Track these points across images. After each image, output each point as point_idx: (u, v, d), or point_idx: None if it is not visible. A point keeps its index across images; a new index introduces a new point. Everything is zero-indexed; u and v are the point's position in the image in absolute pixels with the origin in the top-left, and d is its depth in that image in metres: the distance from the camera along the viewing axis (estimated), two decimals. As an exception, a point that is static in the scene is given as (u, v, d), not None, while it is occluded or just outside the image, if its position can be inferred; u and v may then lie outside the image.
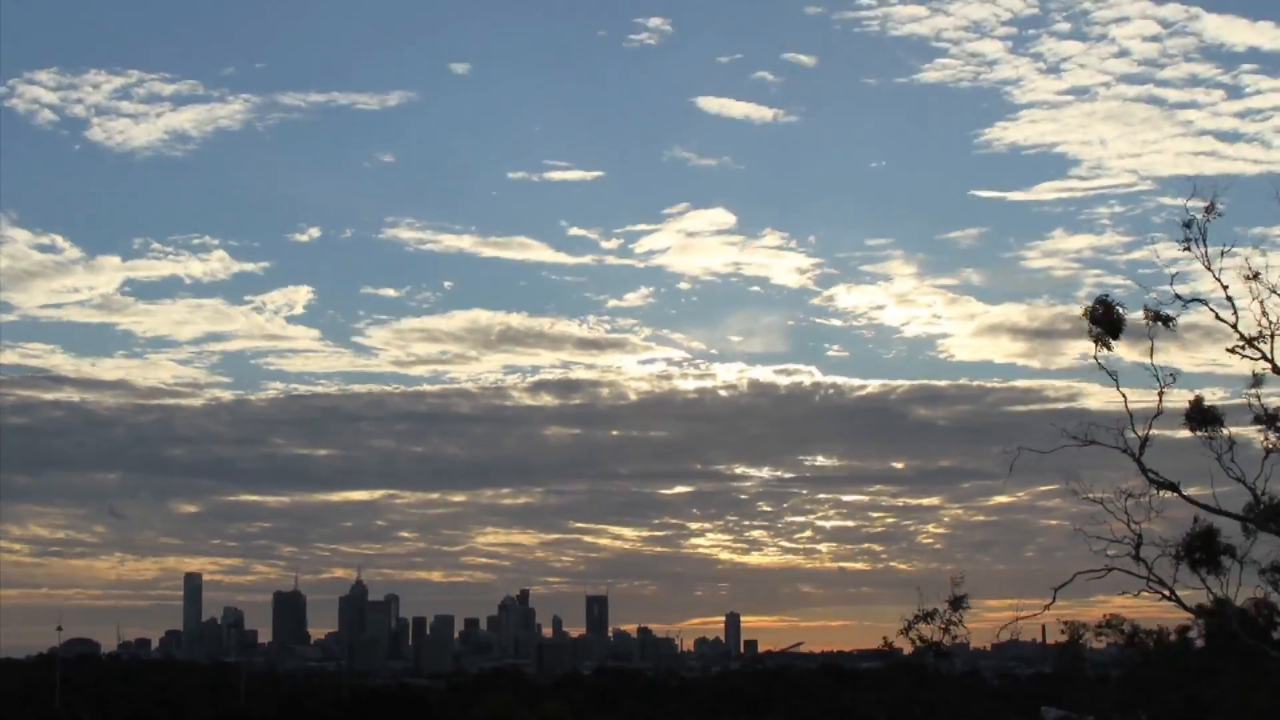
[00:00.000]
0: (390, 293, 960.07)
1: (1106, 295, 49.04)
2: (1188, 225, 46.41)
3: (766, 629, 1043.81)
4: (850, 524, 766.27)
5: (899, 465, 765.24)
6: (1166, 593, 48.30)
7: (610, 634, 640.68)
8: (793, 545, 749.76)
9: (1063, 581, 49.56)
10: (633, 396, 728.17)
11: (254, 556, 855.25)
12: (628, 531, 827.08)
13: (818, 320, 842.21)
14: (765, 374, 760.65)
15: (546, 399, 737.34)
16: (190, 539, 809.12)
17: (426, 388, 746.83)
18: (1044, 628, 55.54)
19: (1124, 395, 47.65)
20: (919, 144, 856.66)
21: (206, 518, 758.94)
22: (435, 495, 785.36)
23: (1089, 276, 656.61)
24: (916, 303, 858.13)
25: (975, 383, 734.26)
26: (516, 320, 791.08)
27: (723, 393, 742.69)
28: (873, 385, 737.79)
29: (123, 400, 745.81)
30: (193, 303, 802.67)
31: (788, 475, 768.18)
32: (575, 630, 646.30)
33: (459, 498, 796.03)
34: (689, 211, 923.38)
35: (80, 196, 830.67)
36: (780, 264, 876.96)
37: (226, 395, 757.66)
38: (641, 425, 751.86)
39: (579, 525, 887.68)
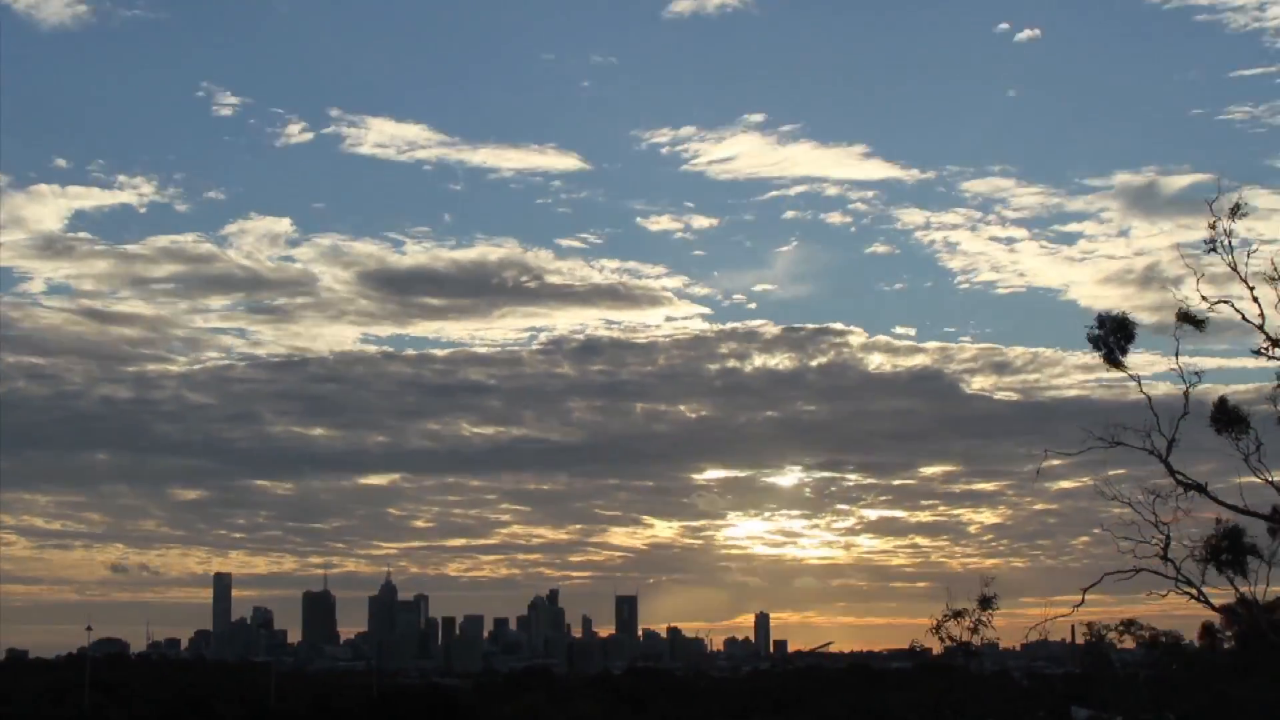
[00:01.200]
0: (384, 224, 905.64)
1: (1110, 311, 49.23)
2: (1212, 227, 46.43)
3: (800, 626, 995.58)
4: (899, 514, 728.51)
5: (957, 446, 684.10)
6: (1194, 593, 48.32)
7: (639, 634, 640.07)
8: (833, 538, 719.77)
9: (1092, 581, 49.79)
10: (661, 360, 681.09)
11: (263, 548, 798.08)
12: (659, 523, 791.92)
13: (889, 256, 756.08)
14: (811, 335, 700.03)
15: (567, 369, 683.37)
16: (192, 530, 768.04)
17: (433, 351, 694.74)
18: (1073, 627, 55.48)
19: (1148, 396, 47.70)
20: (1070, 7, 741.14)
21: (207, 505, 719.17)
22: (451, 479, 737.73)
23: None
24: (1002, 237, 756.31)
25: (1050, 350, 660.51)
26: (533, 260, 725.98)
27: (761, 359, 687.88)
28: (931, 347, 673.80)
29: (91, 367, 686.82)
30: (154, 242, 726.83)
31: (831, 456, 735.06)
32: (604, 630, 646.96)
33: (476, 483, 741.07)
34: (758, 115, 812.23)
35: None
36: (859, 180, 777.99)
37: (207, 359, 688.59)
38: (671, 397, 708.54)
39: (608, 514, 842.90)
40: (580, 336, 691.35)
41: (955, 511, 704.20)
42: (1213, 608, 49.47)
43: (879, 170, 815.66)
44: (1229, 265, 45.97)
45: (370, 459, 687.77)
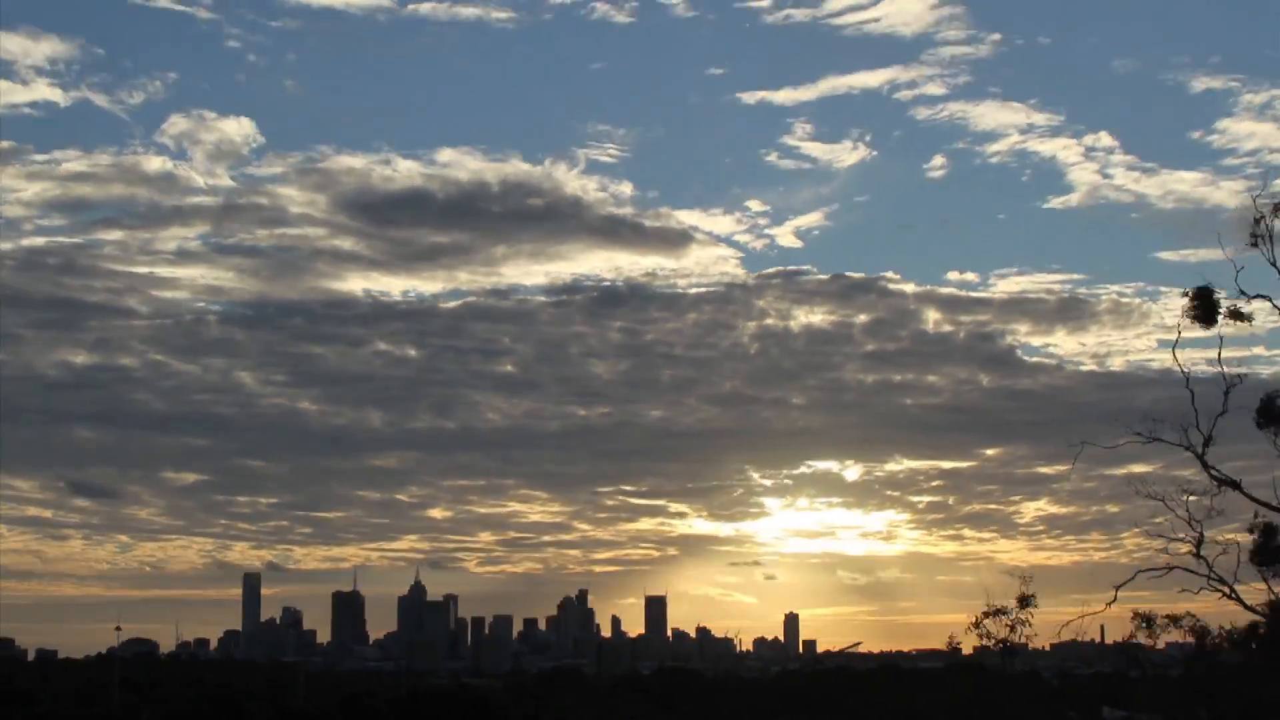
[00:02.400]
0: (368, 124, 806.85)
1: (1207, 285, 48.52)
2: (1257, 222, 46.06)
3: (834, 623, 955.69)
4: (949, 499, 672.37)
5: (1018, 422, 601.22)
6: (1227, 591, 47.96)
7: (669, 633, 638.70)
8: (876, 528, 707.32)
9: (1125, 579, 49.47)
10: (691, 316, 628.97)
11: (270, 539, 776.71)
12: (688, 510, 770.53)
13: (971, 169, 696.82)
14: (856, 288, 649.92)
15: (583, 326, 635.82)
16: (191, 519, 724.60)
17: (434, 304, 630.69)
18: (1102, 627, 55.11)
19: (1191, 391, 47.32)
20: None
21: (203, 491, 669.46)
22: (464, 459, 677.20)
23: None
24: (1104, 146, 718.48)
25: (1139, 299, 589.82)
26: (541, 176, 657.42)
27: (803, 314, 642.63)
28: (998, 298, 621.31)
29: (43, 321, 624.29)
30: (97, 159, 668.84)
31: (878, 434, 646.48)
32: (634, 630, 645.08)
33: (492, 464, 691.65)
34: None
35: None
36: (958, 58, 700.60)
37: (171, 311, 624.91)
38: (702, 365, 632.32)
39: (635, 503, 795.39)
40: (595, 285, 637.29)
41: (1012, 498, 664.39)
42: (1245, 606, 49.11)
43: (983, 50, 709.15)
44: (1269, 262, 45.64)
45: (374, 436, 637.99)
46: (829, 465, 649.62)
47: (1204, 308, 47.57)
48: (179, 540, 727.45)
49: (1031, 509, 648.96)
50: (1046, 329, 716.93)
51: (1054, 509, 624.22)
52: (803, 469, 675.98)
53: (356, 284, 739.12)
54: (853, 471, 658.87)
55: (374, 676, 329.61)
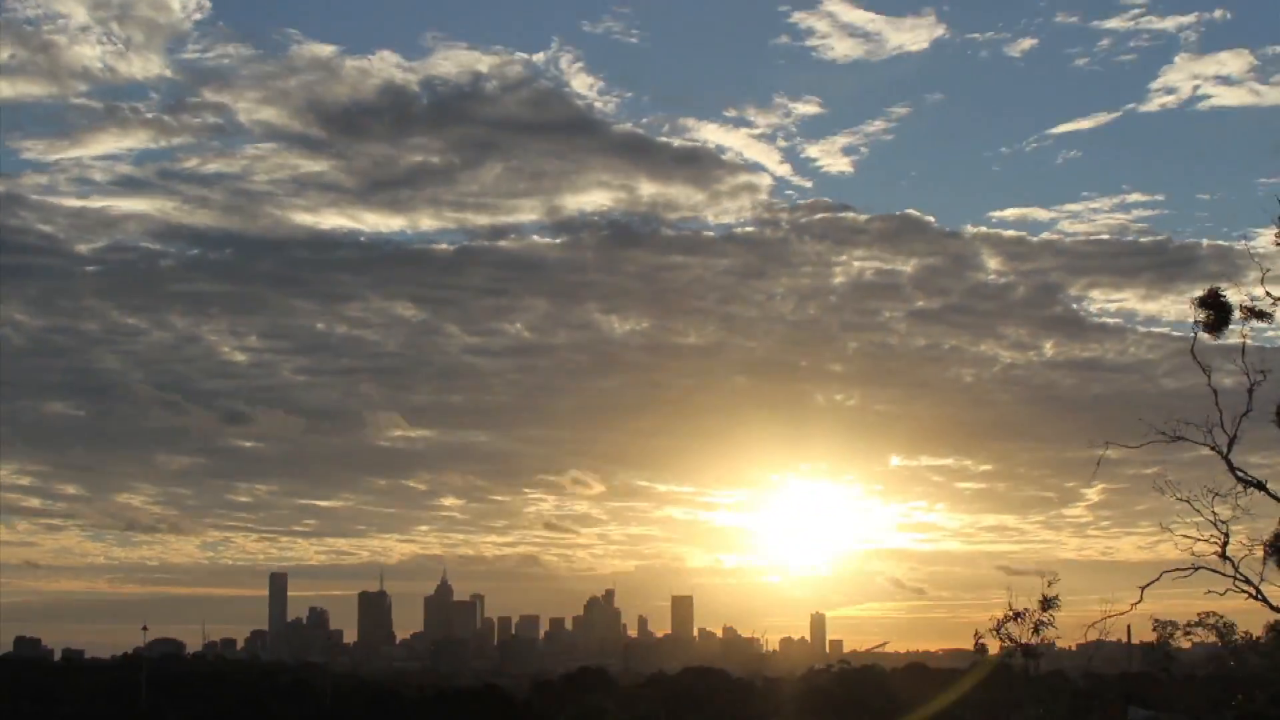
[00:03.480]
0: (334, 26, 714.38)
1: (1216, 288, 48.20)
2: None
3: (861, 622, 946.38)
4: (998, 486, 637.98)
5: (1078, 396, 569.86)
6: (1252, 592, 47.79)
7: (695, 633, 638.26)
8: (914, 520, 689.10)
9: (1150, 580, 49.30)
10: (720, 265, 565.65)
11: (273, 531, 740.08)
12: (719, 500, 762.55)
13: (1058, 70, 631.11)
14: (906, 228, 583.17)
15: (596, 275, 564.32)
16: (185, 509, 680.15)
17: (421, 246, 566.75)
18: (1129, 627, 54.99)
19: (1214, 390, 47.11)
20: None
21: (194, 475, 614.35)
22: (475, 440, 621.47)
23: None
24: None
25: (1242, 244, 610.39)
26: (542, 66, 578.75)
27: (845, 260, 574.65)
28: (1072, 239, 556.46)
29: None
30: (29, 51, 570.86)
31: (920, 409, 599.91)
32: (660, 630, 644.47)
33: (504, 444, 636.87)
34: None
35: None
36: None
37: (116, 248, 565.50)
38: (727, 323, 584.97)
39: (660, 490, 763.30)
40: (605, 219, 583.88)
41: (1067, 484, 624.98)
42: (1271, 607, 48.96)
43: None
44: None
45: (373, 410, 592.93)
46: (869, 446, 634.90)
47: (1218, 316, 47.30)
48: (174, 535, 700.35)
49: (1084, 497, 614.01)
50: (1122, 279, 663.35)
51: (1106, 497, 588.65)
52: (839, 453, 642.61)
53: (328, 218, 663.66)
54: (895, 457, 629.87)
55: (400, 676, 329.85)
